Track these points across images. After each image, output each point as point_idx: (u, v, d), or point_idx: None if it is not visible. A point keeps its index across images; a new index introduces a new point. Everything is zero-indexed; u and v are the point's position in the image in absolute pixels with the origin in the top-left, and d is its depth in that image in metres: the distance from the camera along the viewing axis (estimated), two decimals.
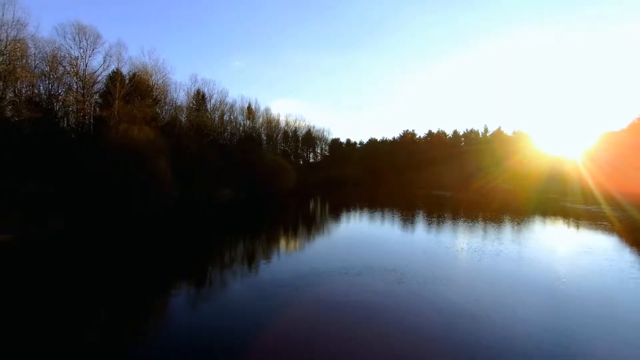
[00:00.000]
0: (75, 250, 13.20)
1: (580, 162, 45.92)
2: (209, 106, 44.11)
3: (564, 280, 10.06)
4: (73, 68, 25.18)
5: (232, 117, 49.85)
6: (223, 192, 29.50)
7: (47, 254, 12.54)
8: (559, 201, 34.35)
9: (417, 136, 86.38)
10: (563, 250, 14.61)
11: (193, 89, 41.76)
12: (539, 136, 76.17)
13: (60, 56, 24.62)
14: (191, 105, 41.18)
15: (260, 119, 55.92)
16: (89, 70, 26.33)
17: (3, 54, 19.10)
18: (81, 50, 25.48)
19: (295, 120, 68.47)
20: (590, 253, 13.22)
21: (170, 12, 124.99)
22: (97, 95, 27.97)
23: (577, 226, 20.10)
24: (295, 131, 68.85)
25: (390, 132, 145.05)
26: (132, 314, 8.09)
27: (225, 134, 48.52)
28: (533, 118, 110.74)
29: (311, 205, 34.83)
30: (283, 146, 65.86)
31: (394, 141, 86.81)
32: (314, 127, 74.18)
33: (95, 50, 26.29)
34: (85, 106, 25.39)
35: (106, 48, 27.09)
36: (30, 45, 21.84)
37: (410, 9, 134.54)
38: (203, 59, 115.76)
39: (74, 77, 25.43)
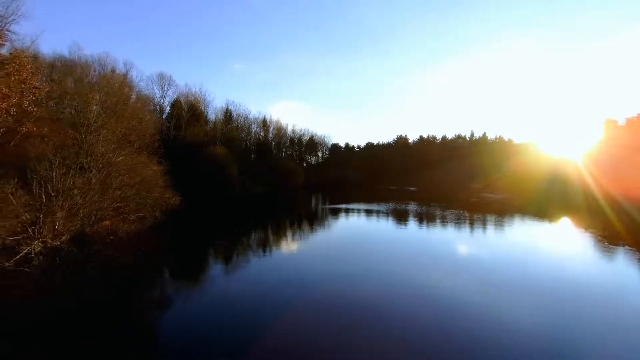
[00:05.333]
0: (200, 210, 28.04)
1: (582, 163, 48.33)
2: (233, 118, 59.52)
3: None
4: (158, 103, 40.31)
5: (249, 129, 65.09)
6: (255, 187, 44.39)
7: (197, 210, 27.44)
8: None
9: (410, 141, 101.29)
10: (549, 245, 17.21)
11: (222, 107, 57.20)
12: (539, 140, 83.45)
13: (150, 96, 39.84)
14: (220, 121, 56.36)
15: (272, 130, 70.87)
16: (165, 104, 41.47)
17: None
18: (162, 91, 40.63)
19: (301, 129, 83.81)
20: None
21: (170, 15, 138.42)
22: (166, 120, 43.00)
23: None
24: (300, 138, 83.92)
25: (388, 135, 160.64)
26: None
27: (244, 143, 63.73)
28: (532, 124, 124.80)
29: (316, 198, 49.48)
30: (289, 151, 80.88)
31: (389, 145, 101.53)
32: (315, 133, 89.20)
33: (170, 90, 41.45)
34: (165, 130, 40.40)
35: (176, 88, 42.38)
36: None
37: (406, 16, 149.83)
38: (204, 61, 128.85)
39: (158, 109, 40.48)
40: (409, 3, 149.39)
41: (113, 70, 33.23)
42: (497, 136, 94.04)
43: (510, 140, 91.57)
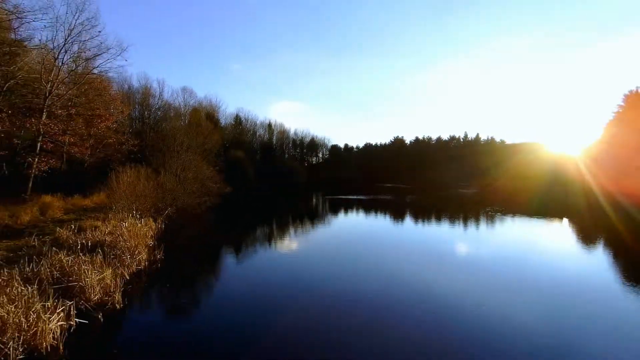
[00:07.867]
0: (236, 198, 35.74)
1: (581, 162, 48.57)
2: (242, 123, 67.64)
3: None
4: (182, 113, 48.19)
5: (254, 132, 73.24)
6: (263, 186, 52.20)
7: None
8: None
9: (407, 141, 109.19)
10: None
11: (232, 113, 65.36)
12: (536, 140, 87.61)
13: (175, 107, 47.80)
14: (231, 125, 64.35)
15: (276, 133, 78.96)
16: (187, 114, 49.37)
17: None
18: (184, 102, 48.54)
19: (302, 131, 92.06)
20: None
21: (168, 16, 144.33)
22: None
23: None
24: (301, 139, 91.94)
25: (385, 135, 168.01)
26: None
27: (250, 145, 71.79)
28: (531, 124, 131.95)
29: (320, 195, 56.98)
30: (292, 152, 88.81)
31: (386, 146, 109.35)
32: (316, 135, 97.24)
33: (191, 100, 49.42)
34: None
35: (196, 98, 50.40)
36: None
37: (406, 17, 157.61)
38: (203, 62, 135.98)
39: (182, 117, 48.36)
40: (409, 4, 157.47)
41: (148, 88, 41.19)
42: (489, 137, 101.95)
43: (502, 141, 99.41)
